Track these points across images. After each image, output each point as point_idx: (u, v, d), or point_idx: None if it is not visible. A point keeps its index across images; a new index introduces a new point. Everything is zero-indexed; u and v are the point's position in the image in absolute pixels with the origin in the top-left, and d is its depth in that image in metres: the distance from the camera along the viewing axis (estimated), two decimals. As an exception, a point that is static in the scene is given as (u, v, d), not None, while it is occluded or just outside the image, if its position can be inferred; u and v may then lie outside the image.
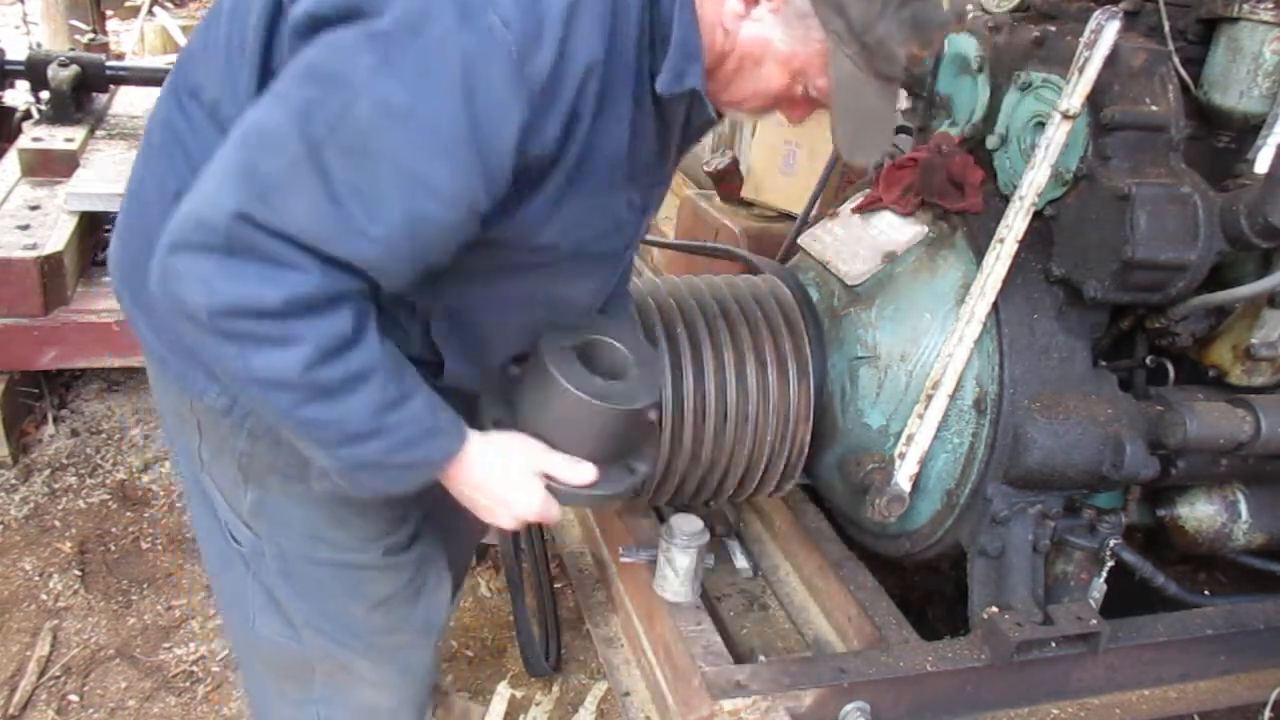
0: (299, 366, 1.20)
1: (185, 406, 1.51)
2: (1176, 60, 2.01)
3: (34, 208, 3.53)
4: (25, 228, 3.35)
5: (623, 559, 2.22)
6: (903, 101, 2.42)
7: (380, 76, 1.14)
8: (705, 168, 3.34)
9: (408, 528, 1.62)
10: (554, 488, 1.45)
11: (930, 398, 1.97)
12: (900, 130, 2.82)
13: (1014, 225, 1.92)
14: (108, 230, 4.14)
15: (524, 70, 1.16)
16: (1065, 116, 1.87)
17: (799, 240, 2.45)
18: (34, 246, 3.24)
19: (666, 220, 4.16)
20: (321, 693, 1.69)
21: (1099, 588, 2.10)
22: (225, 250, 1.17)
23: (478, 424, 1.45)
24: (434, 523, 1.68)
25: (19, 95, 4.50)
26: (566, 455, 1.45)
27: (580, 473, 1.44)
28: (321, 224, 1.17)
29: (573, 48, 1.19)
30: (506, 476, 1.43)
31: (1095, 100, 1.89)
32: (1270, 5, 2.00)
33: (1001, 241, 1.93)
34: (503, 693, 2.50)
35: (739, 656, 2.13)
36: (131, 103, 4.58)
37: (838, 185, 2.88)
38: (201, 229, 1.18)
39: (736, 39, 1.34)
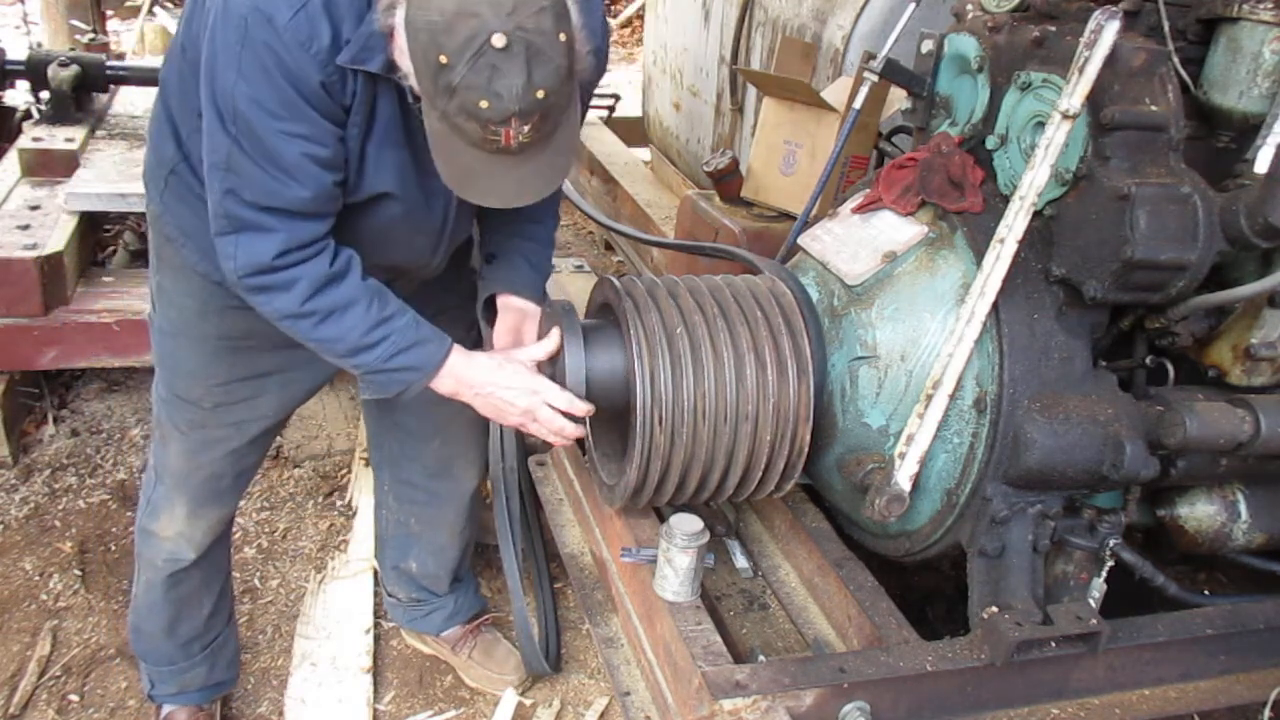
0: (298, 301, 1.65)
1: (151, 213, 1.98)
2: (1176, 60, 2.01)
3: (34, 208, 3.53)
4: (25, 228, 3.35)
5: (623, 559, 2.22)
6: (904, 102, 2.43)
7: (237, 80, 1.53)
8: (705, 168, 3.34)
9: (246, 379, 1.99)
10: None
11: (930, 398, 1.97)
12: (900, 130, 2.83)
13: (1014, 225, 1.92)
14: (108, 230, 4.15)
15: (309, 52, 1.53)
16: (1065, 116, 1.87)
17: (799, 240, 2.45)
18: (34, 246, 3.24)
19: (667, 220, 4.17)
20: (153, 444, 2.13)
21: (1099, 588, 2.10)
22: (233, 229, 1.63)
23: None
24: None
25: (19, 95, 4.50)
26: (565, 391, 1.82)
27: (577, 406, 1.83)
28: (265, 186, 1.59)
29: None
30: (505, 380, 1.81)
31: (1095, 100, 1.89)
32: (1270, 5, 2.00)
33: (1001, 241, 1.93)
34: (509, 699, 2.50)
35: (739, 656, 2.13)
36: (132, 103, 4.57)
37: (838, 185, 2.88)
38: (217, 219, 1.64)
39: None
